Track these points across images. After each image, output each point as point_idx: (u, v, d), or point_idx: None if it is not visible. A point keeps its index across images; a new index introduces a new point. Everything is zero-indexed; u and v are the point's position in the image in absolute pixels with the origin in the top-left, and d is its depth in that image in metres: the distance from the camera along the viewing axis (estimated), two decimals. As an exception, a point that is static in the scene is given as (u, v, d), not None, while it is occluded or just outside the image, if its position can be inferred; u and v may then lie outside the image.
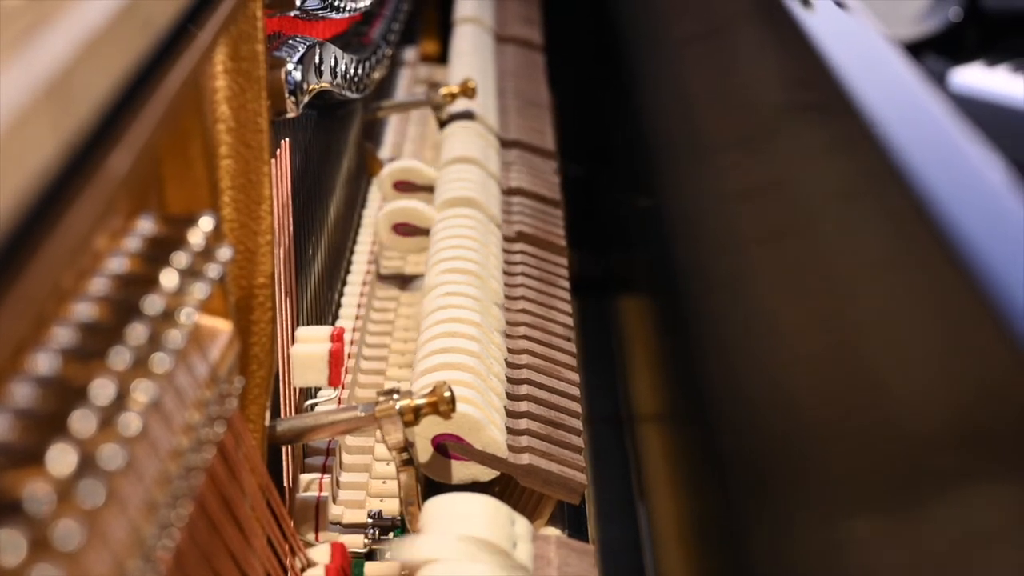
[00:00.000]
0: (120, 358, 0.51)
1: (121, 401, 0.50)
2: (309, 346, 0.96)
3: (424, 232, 1.29)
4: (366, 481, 1.03)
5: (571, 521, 0.96)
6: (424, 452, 0.92)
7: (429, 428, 0.91)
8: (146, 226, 0.61)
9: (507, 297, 1.16)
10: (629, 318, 1.90)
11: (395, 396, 0.87)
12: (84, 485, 0.46)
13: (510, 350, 1.08)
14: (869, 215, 0.82)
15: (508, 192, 1.40)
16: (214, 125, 0.78)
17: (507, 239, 1.28)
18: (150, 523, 0.55)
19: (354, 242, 1.44)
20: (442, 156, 1.41)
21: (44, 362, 0.48)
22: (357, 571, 0.92)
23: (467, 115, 1.51)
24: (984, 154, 0.77)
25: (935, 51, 2.85)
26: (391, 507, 0.99)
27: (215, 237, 0.63)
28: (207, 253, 0.62)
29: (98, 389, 0.49)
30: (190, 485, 0.61)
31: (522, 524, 0.79)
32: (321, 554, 0.84)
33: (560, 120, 1.80)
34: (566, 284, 1.24)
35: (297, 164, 1.06)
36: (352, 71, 1.21)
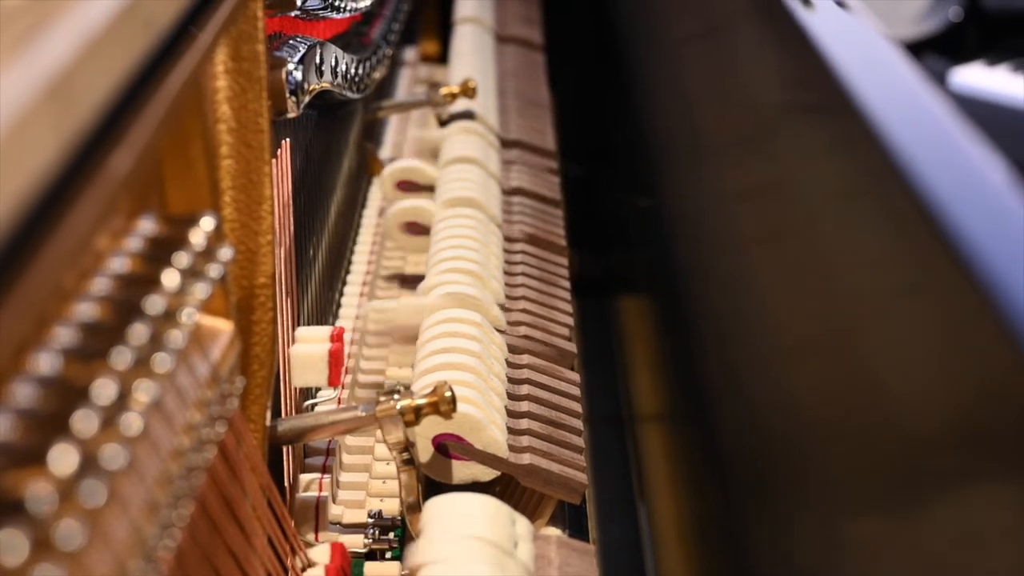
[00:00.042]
0: (121, 358, 0.51)
1: (123, 401, 0.50)
2: (309, 346, 0.96)
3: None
4: (366, 481, 1.03)
5: (572, 521, 0.96)
6: (425, 452, 0.92)
7: (430, 428, 0.91)
8: (147, 226, 0.61)
9: (508, 297, 1.16)
10: (629, 318, 1.90)
11: (396, 396, 0.87)
12: (86, 485, 0.46)
13: (511, 350, 1.08)
14: (869, 215, 0.82)
15: (508, 192, 1.40)
16: (215, 125, 0.78)
17: (508, 239, 1.28)
18: (152, 523, 0.55)
19: (354, 242, 1.44)
20: (442, 156, 1.41)
21: (46, 362, 0.48)
22: (357, 571, 0.92)
23: (467, 115, 1.51)
24: (985, 154, 0.77)
25: (935, 51, 2.85)
26: (391, 507, 0.99)
27: (216, 237, 0.63)
28: (208, 253, 0.62)
29: (100, 389, 0.49)
30: (191, 485, 0.61)
31: (523, 524, 0.80)
32: (321, 554, 0.84)
33: (560, 120, 1.80)
34: (566, 284, 1.24)
35: (298, 164, 1.06)
36: (353, 71, 1.21)
